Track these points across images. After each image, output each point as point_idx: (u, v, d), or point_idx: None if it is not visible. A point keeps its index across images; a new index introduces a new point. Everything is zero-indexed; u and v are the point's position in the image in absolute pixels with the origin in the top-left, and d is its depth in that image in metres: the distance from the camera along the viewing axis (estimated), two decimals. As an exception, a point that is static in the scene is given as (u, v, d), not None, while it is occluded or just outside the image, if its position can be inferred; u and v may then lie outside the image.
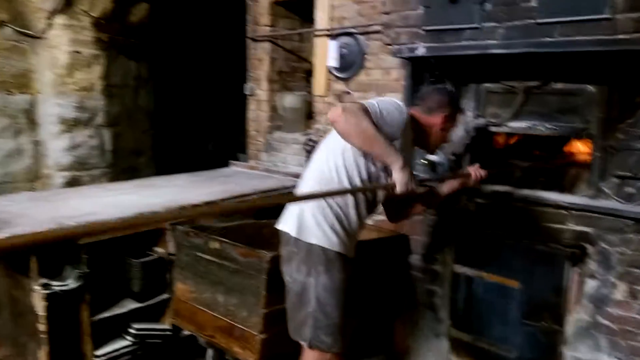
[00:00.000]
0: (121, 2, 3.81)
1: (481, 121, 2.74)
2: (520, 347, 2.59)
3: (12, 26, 3.60)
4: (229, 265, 2.35)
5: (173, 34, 4.87)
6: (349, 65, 3.40)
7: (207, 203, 2.86)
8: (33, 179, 3.77)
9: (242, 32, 4.08)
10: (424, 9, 2.63)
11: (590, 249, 2.36)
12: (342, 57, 3.42)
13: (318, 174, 1.98)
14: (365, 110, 1.83)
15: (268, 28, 3.95)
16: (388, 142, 1.85)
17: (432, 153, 2.48)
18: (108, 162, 3.98)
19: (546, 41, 2.23)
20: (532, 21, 2.26)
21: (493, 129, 2.72)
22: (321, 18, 3.54)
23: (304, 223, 1.94)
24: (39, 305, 2.31)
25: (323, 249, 1.92)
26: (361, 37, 3.32)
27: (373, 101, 1.93)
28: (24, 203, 2.77)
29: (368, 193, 2.00)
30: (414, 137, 2.06)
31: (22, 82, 3.70)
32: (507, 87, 2.65)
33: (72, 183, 3.73)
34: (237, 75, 4.28)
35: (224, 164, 4.13)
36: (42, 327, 2.32)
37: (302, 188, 2.03)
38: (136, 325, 2.68)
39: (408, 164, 1.91)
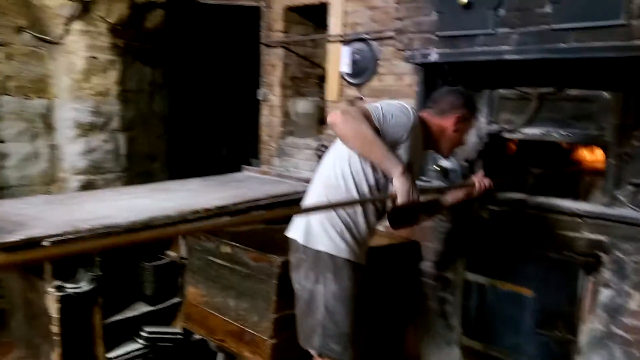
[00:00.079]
0: (137, 9, 3.86)
1: (494, 127, 2.72)
2: (533, 357, 2.55)
3: (31, 32, 3.67)
4: (240, 270, 2.36)
5: (187, 40, 4.92)
6: (362, 71, 3.41)
7: (219, 207, 2.88)
8: (49, 183, 3.83)
9: (256, 38, 4.12)
10: (437, 14, 2.62)
11: (604, 257, 2.33)
12: (354, 62, 3.44)
13: (325, 180, 1.95)
14: (366, 114, 1.79)
15: (281, 34, 3.98)
16: (388, 147, 1.79)
17: (446, 157, 2.39)
18: (122, 166, 4.02)
19: (561, 47, 2.21)
20: (547, 27, 2.24)
21: (506, 135, 2.70)
22: (334, 24, 3.56)
23: (312, 230, 1.92)
24: (53, 308, 2.34)
25: (331, 256, 1.89)
26: (374, 43, 3.33)
27: (377, 104, 1.88)
28: (39, 206, 2.81)
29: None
30: (425, 140, 2.01)
31: (40, 86, 3.77)
32: (521, 93, 2.63)
33: (87, 187, 3.77)
34: (250, 81, 4.31)
35: (238, 168, 4.15)
36: (55, 329, 2.34)
37: (310, 194, 2.01)
38: (148, 329, 2.70)
39: (412, 171, 1.87)
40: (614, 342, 2.32)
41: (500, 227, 2.66)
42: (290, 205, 3.04)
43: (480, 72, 2.70)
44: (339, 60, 3.51)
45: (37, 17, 3.64)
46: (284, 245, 2.09)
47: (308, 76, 4.22)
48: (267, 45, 4.06)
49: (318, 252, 1.90)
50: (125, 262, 2.69)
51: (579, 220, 2.39)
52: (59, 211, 2.70)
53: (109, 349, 2.59)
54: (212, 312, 2.48)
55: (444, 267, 2.89)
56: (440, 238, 2.89)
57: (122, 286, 2.69)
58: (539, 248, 2.52)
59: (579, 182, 2.66)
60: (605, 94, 2.35)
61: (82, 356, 2.48)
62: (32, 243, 2.21)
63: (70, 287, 2.37)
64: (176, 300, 2.80)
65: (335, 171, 1.92)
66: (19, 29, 3.62)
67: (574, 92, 2.46)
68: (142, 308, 2.72)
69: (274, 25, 4.01)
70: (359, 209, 1.93)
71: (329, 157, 2.00)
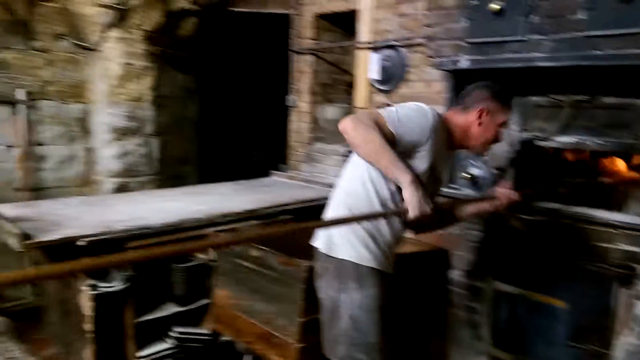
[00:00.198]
0: (172, 17, 3.95)
1: (526, 135, 2.68)
2: (564, 369, 2.50)
3: (70, 39, 3.80)
4: (268, 273, 2.37)
5: (218, 47, 5.01)
6: (391, 77, 3.41)
7: (249, 211, 2.92)
8: (84, 185, 3.95)
9: (285, 45, 4.17)
10: (468, 21, 2.61)
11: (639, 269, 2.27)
12: (384, 69, 3.44)
13: (346, 187, 1.92)
14: (379, 120, 1.73)
15: (311, 41, 4.02)
16: (397, 155, 1.73)
17: (480, 154, 2.29)
18: (155, 170, 4.11)
19: (595, 54, 2.17)
20: (580, 34, 2.21)
21: (539, 143, 2.65)
22: (364, 31, 3.58)
23: (334, 239, 1.89)
24: (87, 306, 2.40)
25: (354, 264, 1.85)
26: (403, 50, 3.33)
27: (393, 107, 1.82)
28: (75, 207, 2.89)
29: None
30: (449, 140, 1.93)
31: (77, 91, 3.90)
32: (553, 101, 2.58)
33: (121, 189, 3.87)
34: (280, 87, 4.36)
35: (267, 173, 4.20)
36: (88, 327, 2.41)
37: (332, 202, 1.98)
38: (177, 329, 2.75)
39: (434, 176, 1.81)
40: (650, 357, 2.25)
41: (533, 237, 2.60)
42: (317, 210, 3.06)
43: (511, 79, 2.66)
44: (368, 67, 3.53)
45: (75, 24, 3.77)
46: (312, 249, 2.10)
47: (337, 83, 4.24)
48: (297, 52, 4.10)
49: (341, 260, 1.87)
50: (157, 263, 2.74)
51: (614, 231, 2.33)
52: (94, 212, 2.78)
53: (139, 348, 2.64)
54: (240, 314, 2.50)
55: (474, 276, 2.85)
56: (470, 246, 2.85)
57: (152, 286, 2.74)
58: (572, 259, 2.46)
59: (613, 192, 2.59)
60: (641, 102, 2.30)
61: (114, 354, 2.54)
62: (69, 243, 2.28)
63: (103, 286, 2.44)
64: (205, 301, 2.84)
65: (355, 178, 1.89)
66: (59, 36, 3.77)
67: (608, 100, 2.41)
68: (172, 308, 2.78)
69: (304, 32, 4.06)
70: None
71: (350, 164, 1.96)
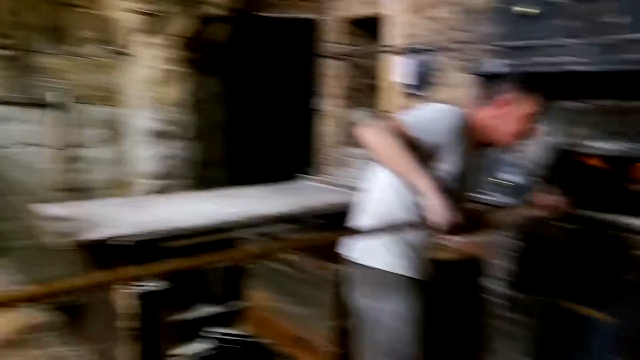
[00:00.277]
0: (204, 22, 4.03)
1: (562, 141, 2.64)
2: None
3: (104, 44, 3.91)
4: (303, 277, 2.41)
5: (244, 51, 5.07)
6: (420, 82, 3.41)
7: (282, 215, 2.96)
8: (120, 186, 4.05)
9: (312, 49, 4.20)
10: (500, 25, 2.60)
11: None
12: (413, 74, 3.44)
13: (374, 193, 1.89)
14: (396, 125, 1.68)
15: (339, 45, 4.05)
16: (416, 160, 1.64)
17: (507, 148, 2.18)
18: (188, 173, 4.19)
19: (634, 58, 2.14)
20: (619, 37, 2.18)
21: (576, 149, 2.60)
22: (392, 35, 3.59)
23: (363, 247, 1.84)
24: (128, 304, 2.47)
25: (384, 272, 1.80)
26: (433, 54, 3.32)
27: (412, 111, 1.78)
28: (112, 207, 2.96)
29: None
30: (474, 138, 1.83)
31: (113, 95, 4.01)
32: (591, 106, 2.54)
33: (156, 191, 3.96)
34: (308, 91, 4.39)
35: (293, 176, 4.23)
36: (129, 324, 2.47)
37: (360, 208, 1.95)
38: (213, 329, 2.79)
39: (462, 180, 1.76)
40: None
41: (574, 246, 2.52)
42: (343, 214, 3.09)
43: (545, 84, 2.64)
44: (396, 71, 3.54)
45: (109, 30, 3.88)
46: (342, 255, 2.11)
47: (364, 87, 4.25)
48: (324, 57, 4.13)
49: (370, 268, 1.82)
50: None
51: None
52: (132, 213, 2.84)
53: (176, 347, 2.70)
54: (275, 316, 2.54)
55: (514, 287, 2.77)
56: (508, 255, 2.79)
57: (190, 286, 2.79)
58: (615, 270, 2.38)
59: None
60: (681, 107, 2.27)
61: (151, 353, 2.60)
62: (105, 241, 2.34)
63: (144, 285, 2.49)
64: (241, 303, 2.88)
65: (379, 181, 1.86)
66: (93, 41, 3.87)
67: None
68: (208, 309, 2.82)
69: (331, 36, 4.08)
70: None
71: (379, 170, 1.90)
